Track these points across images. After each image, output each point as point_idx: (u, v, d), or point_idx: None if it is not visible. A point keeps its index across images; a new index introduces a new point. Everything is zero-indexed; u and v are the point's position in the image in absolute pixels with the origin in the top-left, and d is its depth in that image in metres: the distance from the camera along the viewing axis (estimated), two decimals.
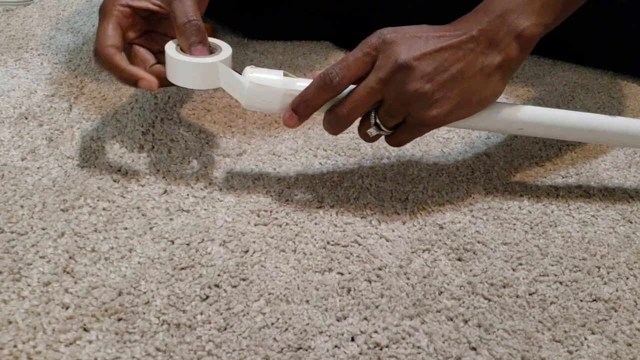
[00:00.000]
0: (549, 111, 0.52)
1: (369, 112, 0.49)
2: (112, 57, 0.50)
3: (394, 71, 0.46)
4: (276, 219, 0.51)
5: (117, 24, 0.52)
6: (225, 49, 0.52)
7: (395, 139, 0.50)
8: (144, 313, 0.42)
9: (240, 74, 0.49)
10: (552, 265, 0.49)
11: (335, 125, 0.49)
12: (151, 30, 0.55)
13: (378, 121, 0.48)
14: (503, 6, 0.48)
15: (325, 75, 0.47)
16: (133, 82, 0.50)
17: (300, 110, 0.48)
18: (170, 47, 0.51)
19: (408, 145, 0.62)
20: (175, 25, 0.51)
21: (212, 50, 0.52)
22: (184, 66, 0.49)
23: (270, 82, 0.48)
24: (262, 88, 0.48)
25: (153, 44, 0.54)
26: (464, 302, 0.45)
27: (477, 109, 0.49)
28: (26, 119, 0.60)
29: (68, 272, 0.44)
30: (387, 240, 0.50)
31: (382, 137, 0.51)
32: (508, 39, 0.48)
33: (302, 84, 0.48)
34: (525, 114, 0.51)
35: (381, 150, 0.61)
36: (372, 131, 0.49)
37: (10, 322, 0.40)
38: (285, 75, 0.49)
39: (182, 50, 0.50)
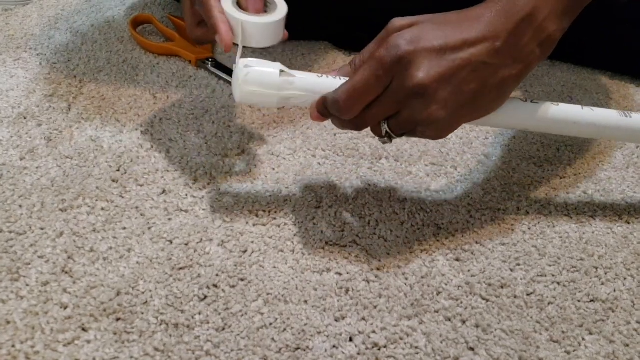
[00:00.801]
0: (562, 108, 0.50)
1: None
2: (215, 6, 0.49)
3: (410, 96, 0.42)
4: (275, 219, 0.51)
5: None
6: (278, 11, 0.50)
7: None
8: (143, 313, 0.42)
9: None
10: (550, 266, 0.49)
11: (345, 128, 0.47)
12: None
13: (389, 131, 0.46)
14: (532, 2, 0.43)
15: (333, 102, 0.44)
16: (213, 31, 0.49)
17: (325, 114, 0.46)
18: (227, 3, 0.50)
19: (407, 146, 0.62)
20: None
21: (266, 4, 0.50)
22: (229, 18, 0.49)
23: (267, 82, 0.45)
24: (257, 87, 0.45)
25: None
26: (462, 303, 0.45)
27: (484, 116, 0.47)
28: (25, 118, 0.60)
29: (67, 272, 0.44)
30: (386, 241, 0.50)
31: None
32: (532, 45, 0.44)
33: (300, 84, 0.46)
34: (539, 112, 0.49)
35: (380, 150, 0.61)
36: (385, 140, 0.47)
37: (8, 322, 0.40)
38: (282, 72, 0.46)
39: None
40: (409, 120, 0.44)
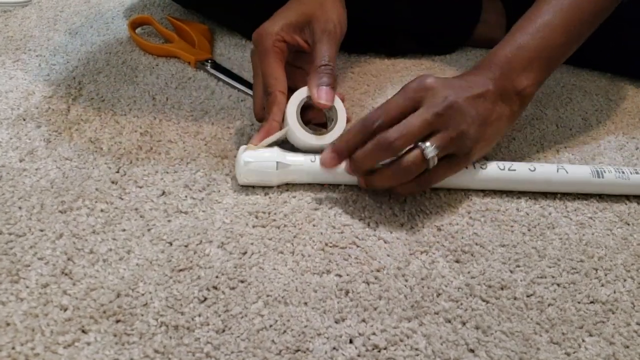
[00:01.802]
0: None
1: (415, 145, 0.49)
2: (277, 104, 0.54)
3: (446, 107, 0.49)
4: (274, 220, 0.51)
5: (281, 62, 0.56)
6: (333, 131, 0.55)
7: (427, 179, 0.52)
8: (142, 315, 0.42)
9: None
10: (550, 267, 0.49)
11: (379, 151, 0.49)
12: (288, 61, 0.58)
13: (431, 149, 0.48)
14: (506, 65, 0.53)
15: (367, 120, 0.50)
16: (267, 127, 0.55)
17: (341, 151, 0.51)
18: (292, 105, 0.54)
19: None
20: (313, 64, 0.55)
21: (331, 115, 0.56)
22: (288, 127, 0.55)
23: (265, 173, 0.52)
24: (256, 177, 0.53)
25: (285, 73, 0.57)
26: (461, 304, 0.45)
27: (487, 152, 0.56)
28: (24, 120, 0.60)
29: (66, 274, 0.44)
30: (385, 242, 0.50)
31: None
32: (512, 94, 0.54)
33: (294, 169, 0.53)
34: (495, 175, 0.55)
35: None
36: (429, 155, 0.48)
37: (8, 324, 0.40)
38: (278, 164, 0.52)
39: (310, 95, 0.54)
40: (448, 134, 0.49)
